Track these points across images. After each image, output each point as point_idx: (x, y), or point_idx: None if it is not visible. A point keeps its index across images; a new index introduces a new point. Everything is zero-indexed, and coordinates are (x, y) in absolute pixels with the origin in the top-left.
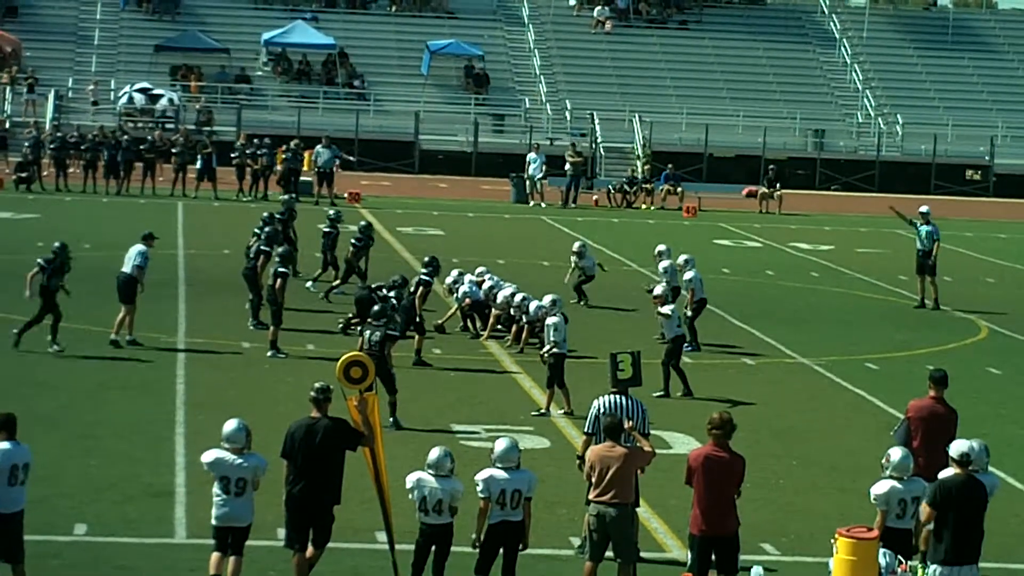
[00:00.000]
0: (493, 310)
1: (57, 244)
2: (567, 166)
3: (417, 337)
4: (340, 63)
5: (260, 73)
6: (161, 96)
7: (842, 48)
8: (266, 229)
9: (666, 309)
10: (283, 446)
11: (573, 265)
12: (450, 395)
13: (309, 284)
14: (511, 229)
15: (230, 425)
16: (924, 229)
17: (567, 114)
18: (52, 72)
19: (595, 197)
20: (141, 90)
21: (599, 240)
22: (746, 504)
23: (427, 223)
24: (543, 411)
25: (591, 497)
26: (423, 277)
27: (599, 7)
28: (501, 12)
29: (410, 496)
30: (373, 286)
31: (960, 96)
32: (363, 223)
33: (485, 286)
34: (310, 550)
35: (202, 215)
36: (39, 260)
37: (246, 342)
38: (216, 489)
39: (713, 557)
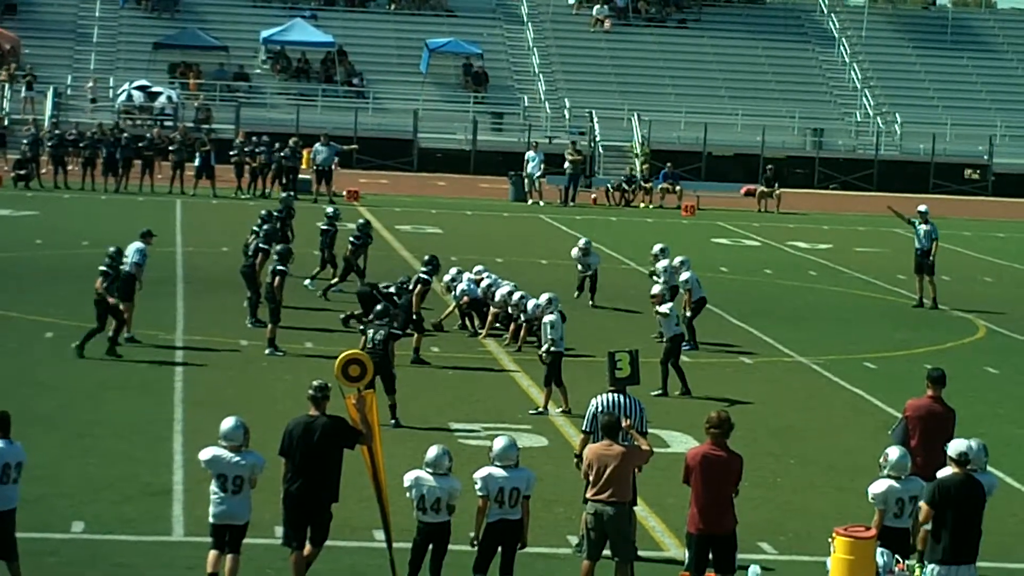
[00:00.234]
0: (491, 308)
1: (112, 249)
2: (566, 164)
3: (416, 335)
4: (339, 61)
5: (259, 71)
6: (160, 94)
7: (841, 47)
8: (264, 227)
9: (664, 308)
10: (281, 444)
11: (576, 261)
12: (448, 393)
13: (307, 282)
14: (509, 227)
15: (228, 423)
16: (922, 228)
17: (566, 113)
18: (51, 69)
19: (593, 196)
20: (140, 88)
21: (597, 239)
22: (744, 503)
23: (425, 221)
24: (541, 410)
25: (589, 496)
26: (422, 275)
27: (598, 6)
28: (500, 10)
29: (408, 494)
30: (380, 285)
31: (959, 95)
32: (361, 221)
33: (483, 284)
34: (308, 548)
35: (200, 213)
36: (101, 267)
37: (244, 340)
38: (213, 487)
39: (711, 556)
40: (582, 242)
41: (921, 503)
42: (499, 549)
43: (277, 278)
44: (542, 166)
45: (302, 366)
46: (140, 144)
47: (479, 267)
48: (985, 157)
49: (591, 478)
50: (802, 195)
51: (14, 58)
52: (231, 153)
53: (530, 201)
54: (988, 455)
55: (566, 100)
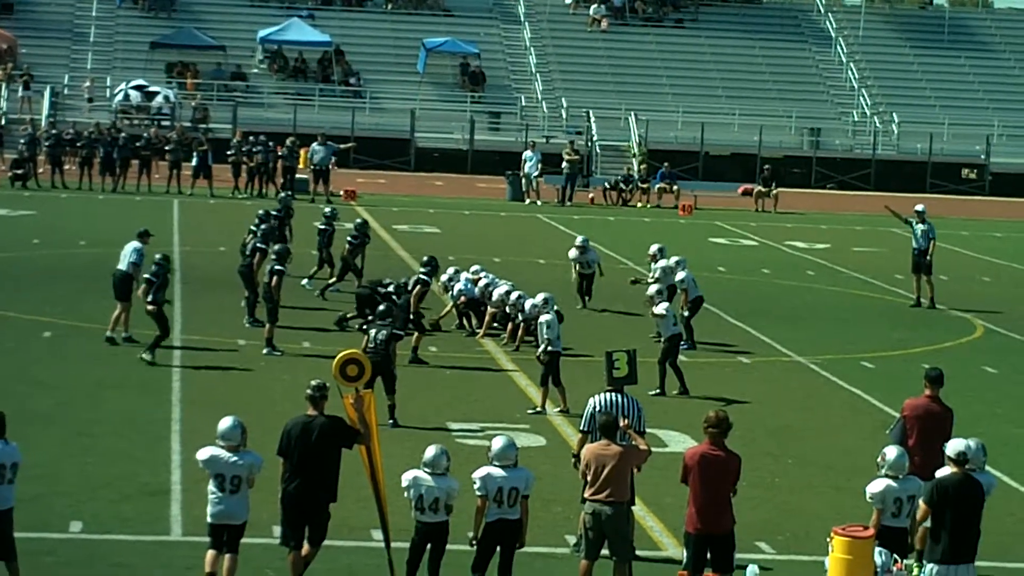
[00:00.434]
0: (489, 308)
1: (159, 256)
2: (564, 164)
3: (415, 335)
4: (336, 60)
5: (256, 70)
6: (157, 93)
7: (838, 47)
8: (262, 227)
9: (660, 309)
10: (279, 444)
11: (573, 260)
12: (446, 393)
13: (305, 282)
14: (507, 227)
15: (225, 423)
16: (920, 228)
17: (563, 112)
18: (48, 69)
19: (591, 195)
20: (137, 87)
21: (595, 238)
22: (742, 502)
23: (423, 221)
24: (539, 409)
25: (587, 495)
26: (421, 276)
27: (595, 5)
28: (497, 10)
29: (406, 494)
30: (385, 282)
31: (956, 95)
32: (359, 221)
33: (481, 284)
34: (306, 548)
35: (198, 212)
36: (146, 275)
37: (242, 340)
38: (211, 487)
39: (709, 555)
40: (579, 239)
41: (920, 502)
42: (498, 549)
43: (275, 278)
44: (539, 166)
45: (300, 366)
46: (137, 144)
47: (476, 267)
48: (982, 157)
49: (589, 478)
50: (799, 195)
51: (11, 58)
52: (228, 153)
53: (527, 201)
54: (987, 454)
55: (563, 100)
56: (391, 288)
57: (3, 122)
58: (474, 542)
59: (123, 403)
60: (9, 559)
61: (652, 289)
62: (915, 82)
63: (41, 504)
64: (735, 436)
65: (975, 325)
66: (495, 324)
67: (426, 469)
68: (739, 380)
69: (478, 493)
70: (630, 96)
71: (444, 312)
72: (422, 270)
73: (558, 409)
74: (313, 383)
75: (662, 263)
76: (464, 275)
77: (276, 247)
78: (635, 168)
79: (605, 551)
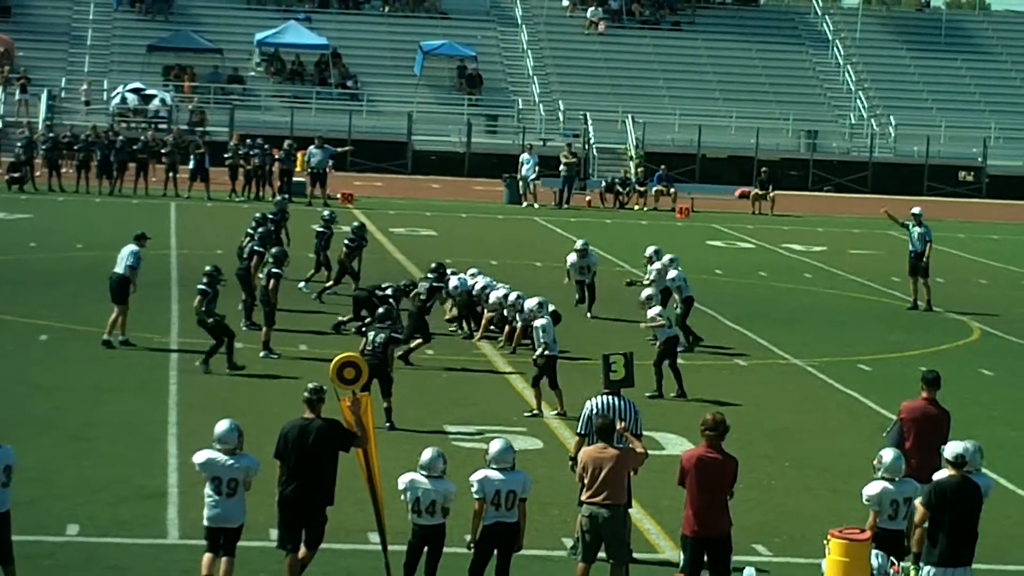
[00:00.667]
0: (486, 311)
1: (210, 268)
2: (561, 167)
3: (419, 341)
4: (333, 63)
5: (253, 73)
6: (154, 96)
7: (835, 49)
8: (259, 230)
9: (653, 312)
10: (276, 447)
11: (569, 265)
12: (443, 396)
13: (302, 285)
14: (504, 230)
15: (222, 426)
16: (916, 230)
17: (560, 115)
18: (45, 72)
19: (588, 198)
20: (134, 90)
21: (592, 241)
22: (738, 505)
23: (420, 224)
24: (535, 411)
25: (583, 498)
26: (433, 284)
27: (592, 8)
28: (494, 12)
29: (403, 497)
30: (383, 286)
31: (953, 97)
32: (356, 224)
33: (478, 287)
34: (303, 551)
35: (195, 215)
36: (200, 286)
37: (239, 343)
38: (208, 490)
39: (706, 558)
40: (579, 243)
41: (918, 504)
42: (495, 552)
43: (272, 281)
44: (537, 168)
45: (297, 368)
46: (134, 147)
47: (473, 269)
48: (979, 159)
49: (586, 481)
50: (796, 197)
51: (8, 61)
52: (225, 156)
53: (525, 204)
54: (983, 457)
55: (560, 102)
56: (389, 291)
57: (0, 125)
58: (471, 545)
59: (120, 406)
60: (6, 563)
61: (645, 293)
62: (912, 85)
63: (38, 507)
64: (732, 438)
65: (972, 328)
66: (492, 327)
67: (423, 472)
68: (736, 383)
69: (475, 496)
70: (627, 99)
71: (449, 313)
72: (430, 277)
73: (555, 412)
74: (310, 386)
75: (657, 265)
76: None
77: (273, 250)
78: (632, 171)
79: (602, 554)
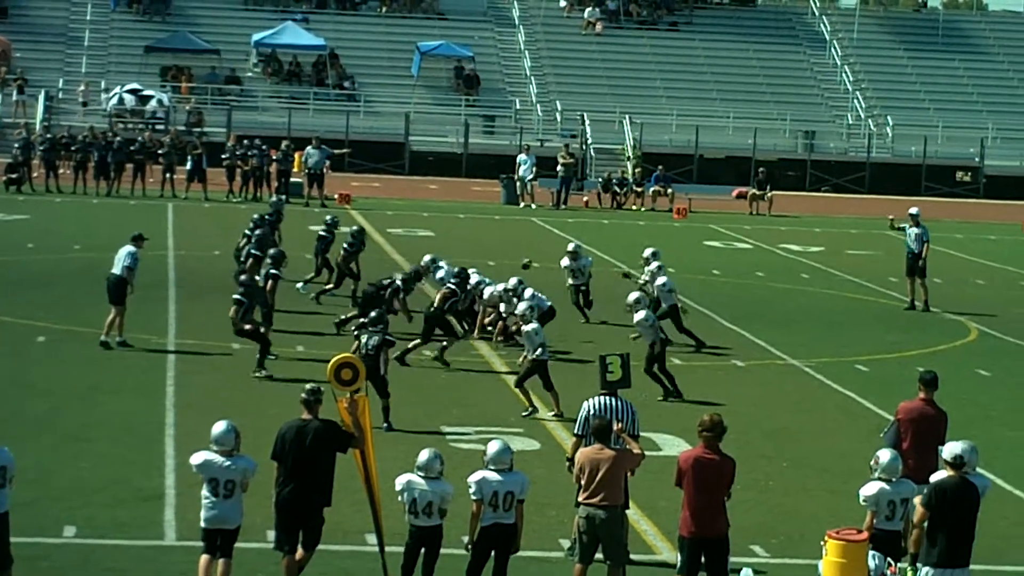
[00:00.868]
0: (481, 308)
1: (245, 278)
2: (559, 167)
3: (444, 344)
4: (330, 64)
5: (250, 74)
6: (151, 97)
7: (832, 50)
8: (256, 232)
9: (639, 316)
10: (273, 448)
11: (566, 269)
12: (441, 397)
13: (300, 286)
14: (501, 230)
15: (218, 427)
16: (913, 231)
17: (557, 115)
18: (42, 73)
19: (585, 198)
20: (131, 91)
21: (589, 241)
22: (736, 506)
23: (417, 224)
24: (530, 408)
25: (580, 499)
26: (451, 286)
27: (589, 8)
28: (491, 13)
29: (400, 498)
30: (385, 282)
31: (950, 98)
32: (355, 228)
33: (472, 280)
34: (300, 552)
35: (192, 216)
36: (235, 296)
37: (236, 344)
38: (205, 491)
39: (703, 559)
40: (571, 245)
41: (917, 504)
42: (492, 553)
43: (270, 282)
44: (534, 169)
45: (294, 370)
46: (132, 148)
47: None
48: (976, 159)
49: (583, 482)
50: (794, 198)
51: (5, 62)
52: (223, 157)
53: (522, 204)
54: (978, 457)
55: (557, 103)
56: (398, 281)
57: None
58: (469, 546)
59: (117, 407)
60: (4, 566)
61: (632, 297)
62: (909, 85)
63: (35, 508)
64: (729, 439)
65: (969, 328)
66: (489, 328)
67: (420, 473)
68: (733, 383)
69: (473, 497)
70: (624, 99)
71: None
72: (452, 282)
73: (552, 413)
74: (307, 387)
75: (654, 266)
76: (444, 263)
77: (272, 251)
78: (629, 171)
79: (599, 555)
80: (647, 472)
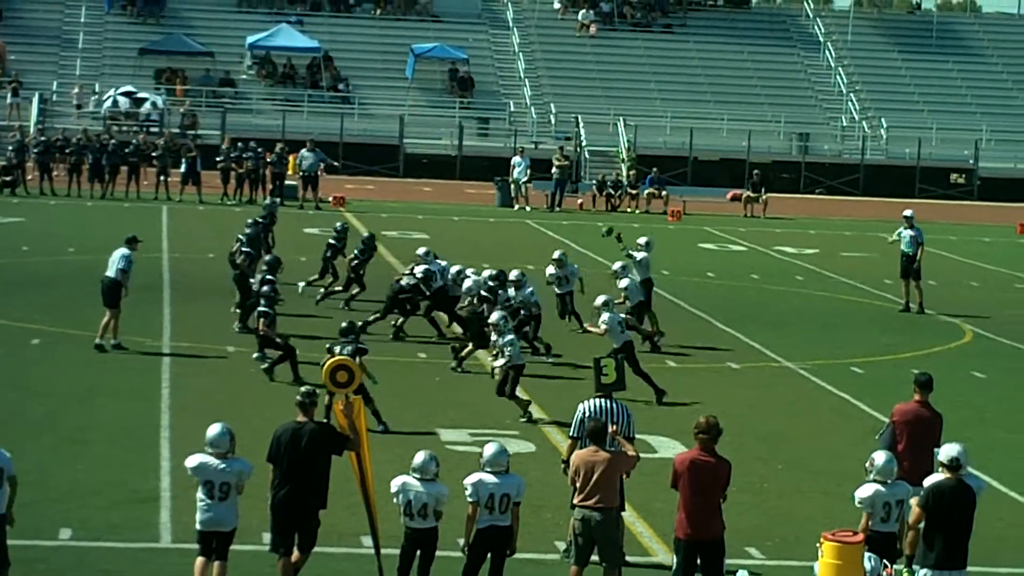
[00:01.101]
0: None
1: (267, 289)
2: (553, 170)
3: (469, 348)
4: (325, 66)
5: (245, 76)
6: (145, 100)
7: (826, 52)
8: (248, 231)
9: (604, 318)
10: (269, 450)
11: (551, 277)
12: (436, 399)
13: (301, 286)
14: (496, 233)
15: (213, 430)
16: (908, 233)
17: (552, 118)
18: (36, 75)
19: (580, 201)
20: (125, 93)
21: (584, 244)
22: (731, 508)
23: (412, 227)
24: (527, 414)
25: (576, 501)
26: (484, 293)
27: (584, 11)
28: (486, 15)
29: (395, 500)
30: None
31: (944, 100)
32: (366, 235)
33: (453, 270)
34: (295, 554)
35: (187, 219)
36: (261, 308)
37: (231, 346)
38: (200, 494)
39: (699, 561)
40: (556, 253)
41: (913, 505)
42: (488, 556)
43: (265, 287)
44: (528, 171)
45: (289, 372)
46: (126, 150)
47: (456, 268)
48: (971, 161)
49: (578, 484)
50: (788, 200)
51: None
52: (217, 159)
53: (516, 206)
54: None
55: (552, 105)
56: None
57: None
58: (465, 549)
59: (113, 410)
60: (1, 569)
61: (599, 300)
62: (903, 87)
63: (31, 511)
64: (724, 441)
65: (964, 330)
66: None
67: (415, 475)
68: (728, 385)
69: (469, 499)
70: (619, 101)
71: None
72: (489, 284)
73: (524, 418)
74: (303, 389)
75: (643, 255)
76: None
77: (267, 257)
78: (624, 173)
79: (595, 557)
80: (643, 474)
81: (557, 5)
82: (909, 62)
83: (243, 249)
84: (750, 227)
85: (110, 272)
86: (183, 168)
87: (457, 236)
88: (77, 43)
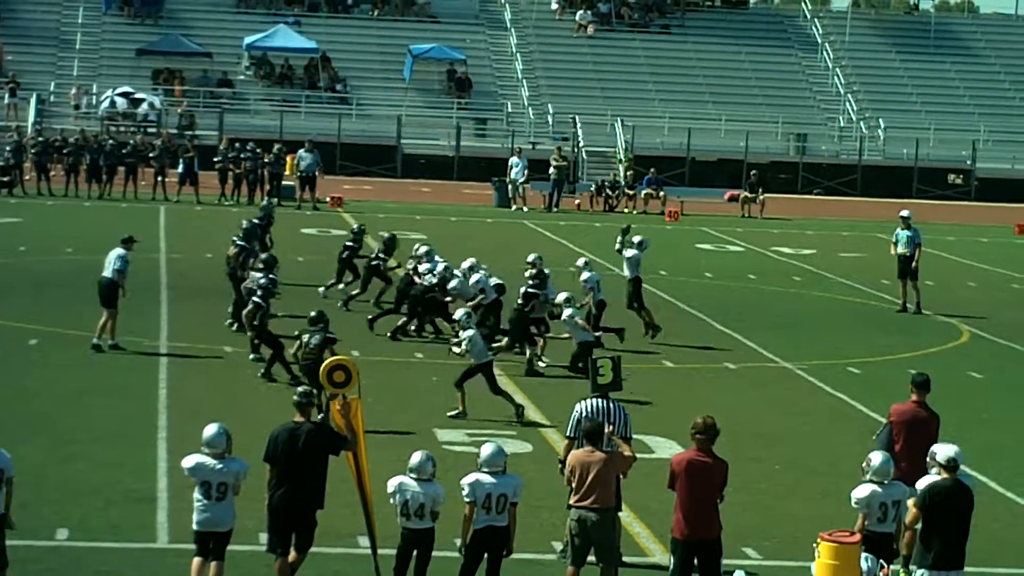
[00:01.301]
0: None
1: (266, 280)
2: (551, 170)
3: (536, 344)
4: (322, 67)
5: (242, 77)
6: (143, 100)
7: (824, 52)
8: (245, 225)
9: (565, 315)
10: (266, 450)
11: (583, 285)
12: (433, 399)
13: (321, 290)
14: (493, 233)
15: (210, 430)
16: (905, 233)
17: (549, 118)
18: (34, 76)
19: (577, 201)
20: (123, 94)
21: (581, 244)
22: (728, 508)
23: (409, 227)
24: (518, 408)
25: (572, 502)
26: (531, 289)
27: (581, 11)
28: (483, 16)
29: (392, 500)
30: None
31: (942, 100)
32: (387, 236)
33: (439, 268)
34: (292, 554)
35: (184, 219)
36: (254, 299)
37: (228, 346)
38: (197, 494)
39: (696, 561)
40: (581, 261)
41: (910, 506)
42: (485, 556)
43: (263, 279)
44: (526, 172)
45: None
46: (123, 151)
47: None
48: (968, 162)
49: (574, 484)
50: (786, 200)
51: None
52: (215, 160)
53: (514, 207)
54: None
55: (549, 106)
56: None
57: None
58: (462, 549)
59: (110, 410)
60: (0, 569)
61: (560, 297)
62: (901, 87)
63: (28, 511)
64: (721, 442)
65: (961, 330)
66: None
67: (412, 475)
68: (725, 386)
69: (466, 500)
70: (616, 102)
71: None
72: (531, 283)
73: (454, 412)
74: (300, 389)
75: (632, 252)
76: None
77: (263, 256)
78: (621, 174)
79: (592, 557)
80: (640, 474)
81: (555, 6)
82: (907, 63)
83: (238, 243)
84: (748, 227)
85: (106, 272)
86: (181, 168)
87: (454, 236)
88: (74, 43)
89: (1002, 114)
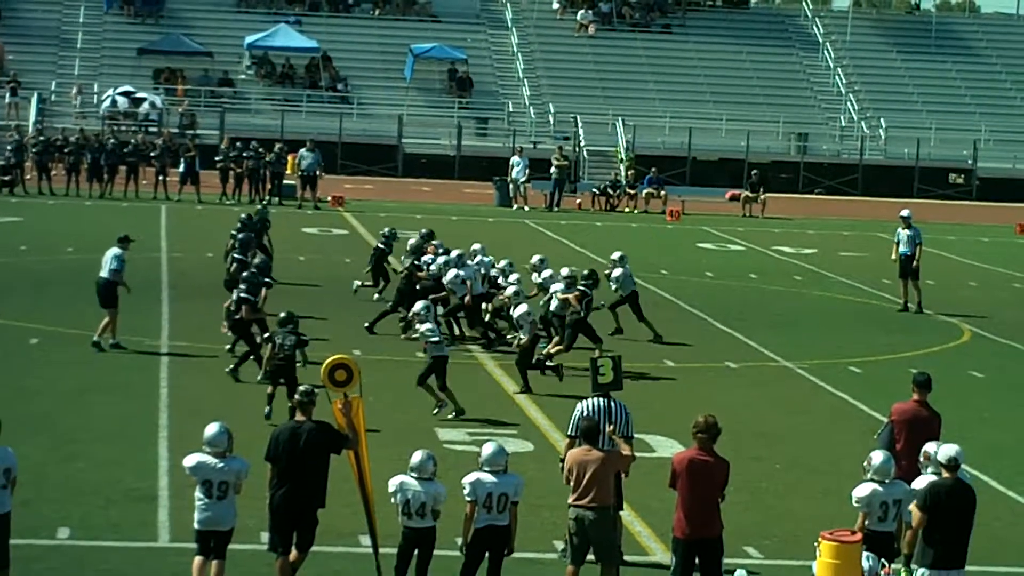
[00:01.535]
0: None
1: (247, 273)
2: (552, 169)
3: (559, 348)
4: (323, 66)
5: (243, 76)
6: (144, 99)
7: (825, 52)
8: (239, 236)
9: (519, 311)
10: (267, 449)
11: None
12: (433, 399)
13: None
14: (494, 232)
15: (211, 429)
16: (906, 233)
17: (550, 118)
18: (35, 75)
19: (578, 200)
20: (124, 93)
21: (582, 243)
22: (729, 507)
23: (410, 226)
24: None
25: (570, 501)
26: (582, 288)
27: (582, 11)
28: (484, 15)
29: (393, 499)
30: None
31: (943, 100)
32: (426, 231)
33: (439, 261)
34: (294, 553)
35: (185, 218)
36: (241, 295)
37: (229, 345)
38: (198, 493)
39: (697, 560)
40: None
41: (914, 509)
42: (486, 555)
43: (263, 290)
44: (527, 171)
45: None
46: (124, 150)
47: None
48: (969, 161)
49: (572, 483)
50: (787, 200)
51: None
52: (216, 159)
53: (515, 206)
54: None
55: (550, 105)
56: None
57: None
58: (463, 548)
59: (111, 409)
60: (3, 567)
61: (510, 291)
62: (902, 87)
63: (29, 510)
64: (722, 441)
65: (962, 330)
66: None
67: (413, 474)
68: (726, 385)
69: (467, 499)
70: (617, 101)
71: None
72: (584, 282)
73: (439, 410)
74: (301, 388)
75: (619, 271)
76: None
77: (256, 260)
78: (622, 173)
79: (591, 556)
80: (641, 473)
81: (556, 5)
82: (908, 62)
83: (235, 256)
84: (749, 227)
85: (103, 273)
86: (182, 168)
87: (456, 235)
88: (76, 43)
89: (1003, 114)
